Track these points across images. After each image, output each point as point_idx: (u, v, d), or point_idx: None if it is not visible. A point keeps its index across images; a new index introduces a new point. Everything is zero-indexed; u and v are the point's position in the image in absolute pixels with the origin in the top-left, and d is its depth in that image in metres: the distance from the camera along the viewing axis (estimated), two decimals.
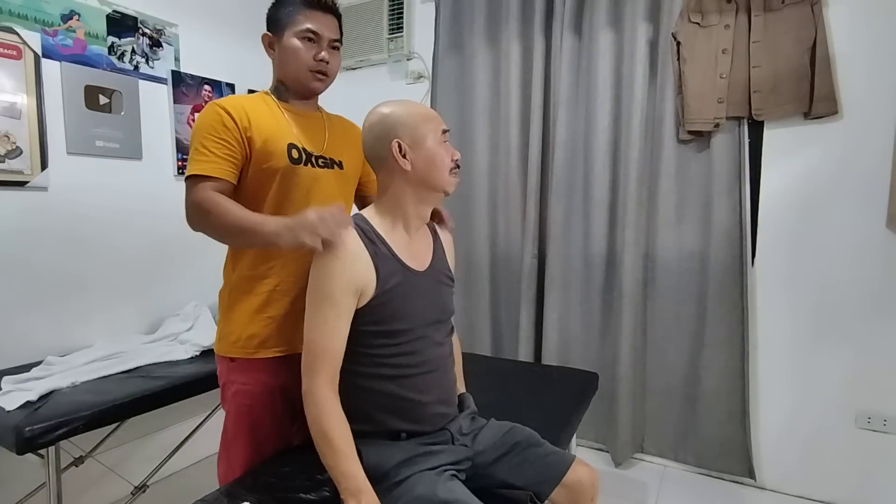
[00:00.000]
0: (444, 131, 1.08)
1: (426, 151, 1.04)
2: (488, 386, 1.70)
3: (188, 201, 1.11)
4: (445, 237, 1.22)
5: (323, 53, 1.19)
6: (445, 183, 1.07)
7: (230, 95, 1.20)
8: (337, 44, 1.23)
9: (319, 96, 1.30)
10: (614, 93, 2.18)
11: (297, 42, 1.18)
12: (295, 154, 1.18)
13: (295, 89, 1.24)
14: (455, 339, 1.26)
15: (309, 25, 1.17)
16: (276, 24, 1.21)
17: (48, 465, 1.39)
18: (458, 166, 1.09)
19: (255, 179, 1.16)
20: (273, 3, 1.23)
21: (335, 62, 1.23)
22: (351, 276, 0.97)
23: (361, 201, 1.44)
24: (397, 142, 1.02)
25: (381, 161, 1.06)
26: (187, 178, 1.12)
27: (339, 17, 1.24)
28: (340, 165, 1.28)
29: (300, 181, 1.18)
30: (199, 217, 1.09)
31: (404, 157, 1.03)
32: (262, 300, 1.18)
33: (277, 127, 1.18)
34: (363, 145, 1.09)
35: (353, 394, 1.02)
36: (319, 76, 1.21)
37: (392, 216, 1.07)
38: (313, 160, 1.22)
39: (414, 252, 1.08)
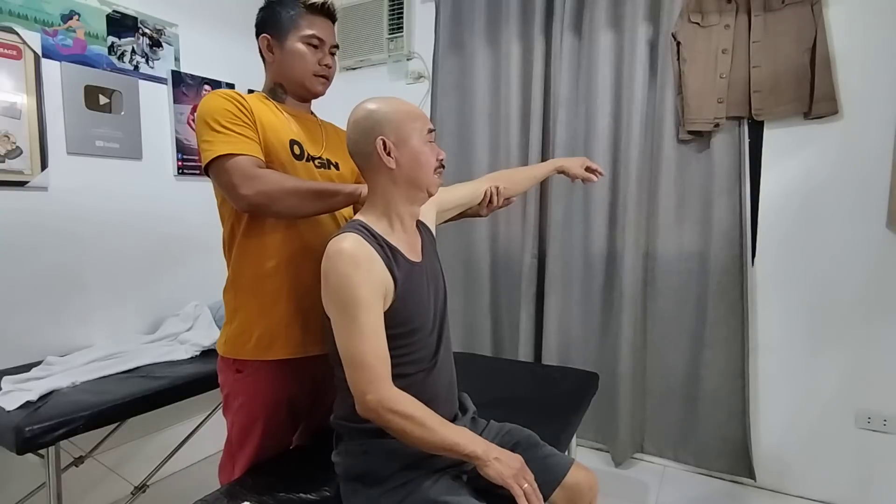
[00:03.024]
0: (430, 130, 1.07)
1: (411, 150, 1.02)
2: (488, 386, 1.70)
3: (236, 176, 1.05)
4: (423, 215, 1.20)
5: (328, 59, 1.23)
6: (430, 183, 1.06)
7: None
8: (335, 50, 1.27)
9: (316, 99, 1.32)
10: (614, 93, 2.18)
11: (302, 47, 1.20)
12: (296, 150, 1.19)
13: (296, 92, 1.25)
14: (503, 173, 1.46)
15: (314, 32, 1.20)
16: (276, 27, 1.20)
17: (48, 465, 1.39)
18: (442, 166, 1.08)
19: None
20: (268, 5, 1.22)
21: (335, 66, 1.28)
22: (375, 280, 0.96)
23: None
24: (382, 139, 1.00)
25: (366, 158, 1.03)
26: (217, 158, 1.06)
27: (335, 22, 1.27)
28: (337, 167, 1.28)
29: (299, 177, 1.17)
30: (267, 183, 1.05)
31: (389, 154, 1.01)
32: (271, 300, 1.17)
33: (278, 123, 1.18)
34: (348, 141, 1.06)
35: None
36: (322, 80, 1.25)
37: (388, 218, 1.05)
38: (312, 160, 1.22)
39: (412, 247, 1.09)
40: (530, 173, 1.51)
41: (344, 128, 1.13)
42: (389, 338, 0.98)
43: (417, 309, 1.03)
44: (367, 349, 0.93)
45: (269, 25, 1.22)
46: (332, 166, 1.27)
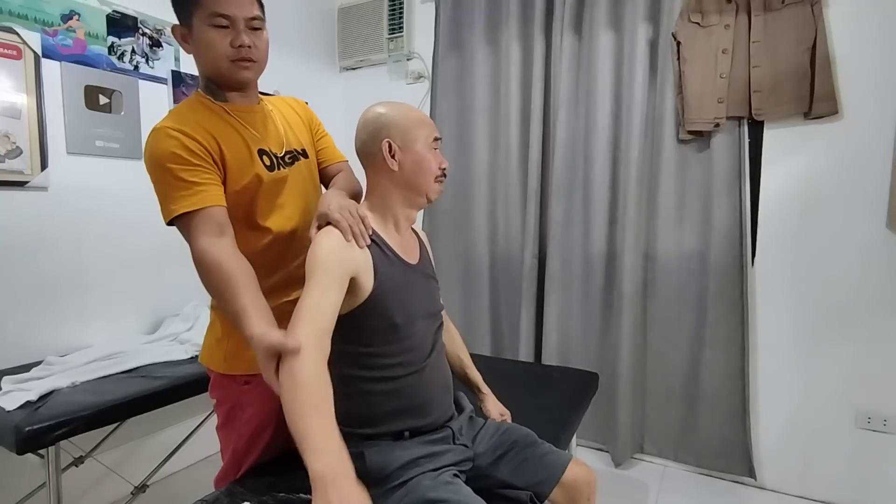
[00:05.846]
0: (437, 139, 1.10)
1: (415, 155, 1.06)
2: (488, 386, 1.70)
3: (192, 245, 0.99)
4: (423, 237, 1.25)
5: (242, 38, 1.02)
6: (430, 189, 1.09)
7: (172, 113, 1.07)
8: (256, 22, 1.04)
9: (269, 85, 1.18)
10: (614, 93, 2.18)
11: (209, 33, 1.01)
12: (266, 161, 1.11)
13: (225, 85, 1.09)
14: (453, 328, 1.34)
15: (216, 9, 1.00)
16: (182, 10, 1.04)
17: (48, 465, 1.39)
18: (444, 175, 1.11)
19: (230, 199, 1.06)
20: None
21: (260, 43, 1.06)
22: (347, 255, 0.97)
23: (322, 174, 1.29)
24: (387, 141, 1.04)
25: (371, 158, 1.07)
26: (176, 219, 1.00)
27: None
28: (305, 154, 1.20)
29: (275, 187, 1.12)
30: (201, 271, 0.99)
31: (393, 157, 1.04)
32: (276, 315, 1.12)
33: (240, 137, 1.08)
34: (356, 141, 1.09)
35: (359, 399, 1.03)
36: (244, 64, 1.05)
37: (382, 215, 1.09)
38: (281, 160, 1.14)
39: (405, 248, 1.11)
40: (465, 368, 1.37)
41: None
42: (369, 331, 1.00)
43: (399, 306, 1.03)
44: (305, 302, 0.91)
45: (177, 10, 1.05)
46: (299, 156, 1.18)
